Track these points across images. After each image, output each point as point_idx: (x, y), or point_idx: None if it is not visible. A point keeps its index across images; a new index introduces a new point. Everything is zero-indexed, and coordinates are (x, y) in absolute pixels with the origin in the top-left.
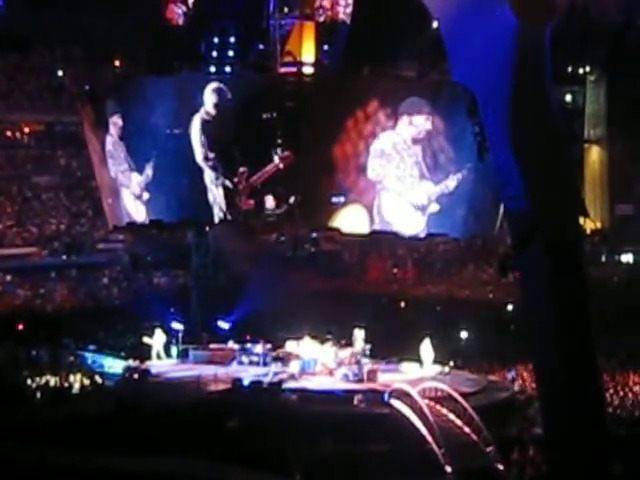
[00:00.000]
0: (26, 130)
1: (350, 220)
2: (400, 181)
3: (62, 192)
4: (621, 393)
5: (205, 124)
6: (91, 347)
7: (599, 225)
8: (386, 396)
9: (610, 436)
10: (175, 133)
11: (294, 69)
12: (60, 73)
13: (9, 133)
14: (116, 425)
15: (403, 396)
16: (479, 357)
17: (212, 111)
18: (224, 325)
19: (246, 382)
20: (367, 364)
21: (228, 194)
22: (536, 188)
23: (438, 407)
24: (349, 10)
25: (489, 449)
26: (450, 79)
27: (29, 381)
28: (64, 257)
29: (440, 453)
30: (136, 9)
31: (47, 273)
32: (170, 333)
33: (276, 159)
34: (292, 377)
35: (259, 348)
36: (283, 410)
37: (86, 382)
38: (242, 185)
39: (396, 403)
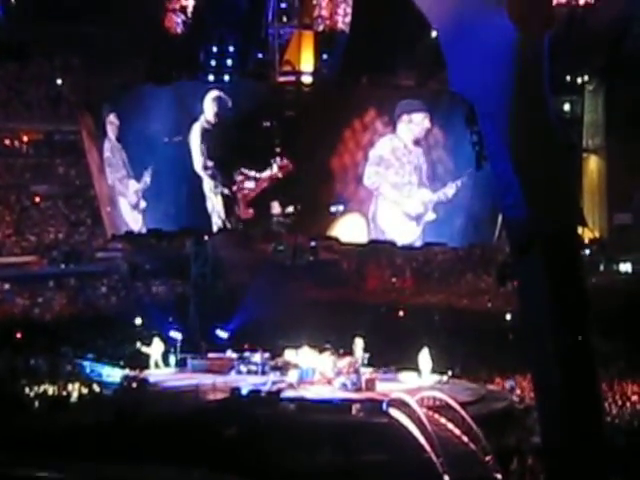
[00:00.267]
0: (25, 139)
1: (348, 229)
2: (396, 189)
3: (61, 201)
4: (620, 402)
5: (205, 133)
6: (89, 356)
7: (597, 234)
8: (384, 405)
9: (609, 446)
10: (174, 142)
11: (293, 78)
12: (59, 82)
13: (8, 142)
14: (114, 434)
15: (401, 405)
16: (477, 366)
17: (212, 120)
18: (222, 334)
19: (244, 391)
20: (365, 373)
21: (227, 203)
22: (535, 197)
23: (437, 416)
24: (348, 19)
25: (487, 458)
26: (449, 88)
27: (27, 390)
28: (63, 266)
29: (438, 462)
30: (135, 18)
31: (46, 282)
32: (168, 342)
33: (274, 168)
34: (290, 386)
35: (257, 357)
36: (281, 419)
37: (84, 391)
38: (241, 194)
39: (394, 412)
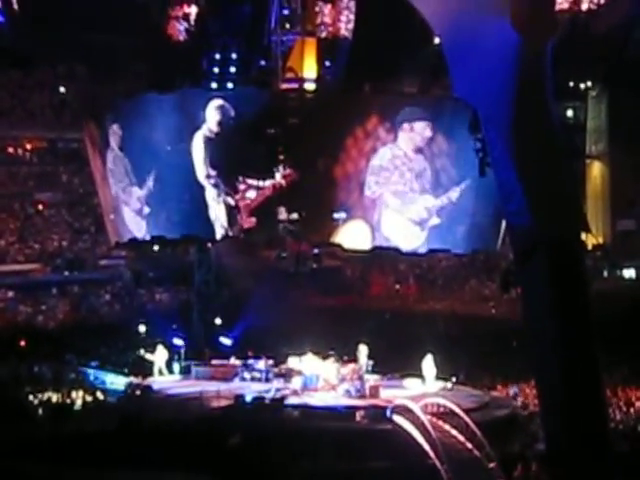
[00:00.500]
0: (28, 147)
1: (352, 236)
2: (397, 197)
3: (64, 209)
4: (624, 408)
5: (207, 141)
6: (93, 363)
7: (601, 240)
8: (388, 412)
9: (613, 452)
10: (176, 149)
11: (296, 85)
12: (62, 90)
13: (11, 150)
14: (118, 441)
15: (405, 412)
16: (481, 373)
17: (215, 128)
18: (226, 341)
19: (248, 398)
20: (369, 380)
21: (229, 211)
22: (538, 203)
23: (440, 423)
24: (351, 26)
25: (492, 465)
26: (452, 95)
27: (31, 397)
28: (66, 273)
29: (443, 469)
30: (138, 26)
31: (49, 289)
32: (172, 349)
33: (277, 177)
34: (294, 393)
35: (261, 364)
36: (285, 426)
37: (88, 398)
38: (243, 203)
39: (398, 419)
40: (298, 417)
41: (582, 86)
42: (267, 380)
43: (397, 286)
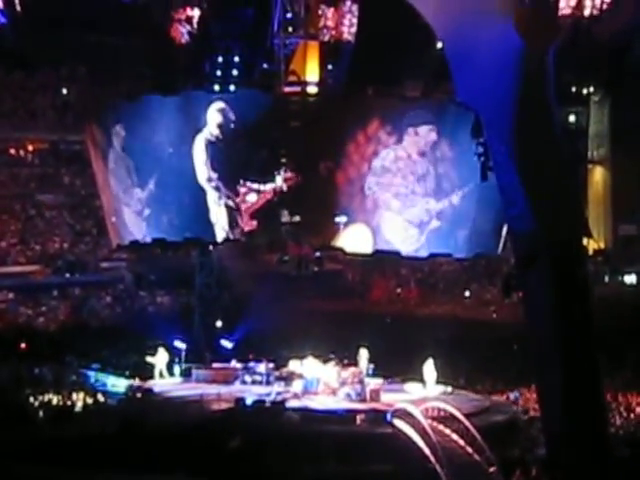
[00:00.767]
0: (30, 148)
1: (353, 240)
2: (398, 198)
3: (66, 210)
4: (624, 414)
5: (209, 144)
6: (94, 366)
7: (602, 245)
8: (389, 416)
9: (613, 457)
10: (178, 152)
11: (298, 88)
12: (65, 92)
13: (13, 151)
14: (119, 444)
15: (406, 416)
16: (482, 377)
17: (215, 131)
18: (227, 344)
19: (249, 401)
20: (370, 384)
21: (230, 214)
22: (540, 208)
23: (441, 427)
24: (353, 30)
25: (492, 469)
26: (454, 99)
27: (32, 399)
28: (67, 275)
29: (443, 473)
30: (141, 28)
31: (50, 291)
32: (173, 352)
33: (278, 180)
34: (295, 396)
35: (262, 367)
36: (286, 429)
37: (89, 401)
38: (244, 206)
39: (399, 423)
40: (298, 420)
41: (584, 91)
42: (268, 383)
43: (398, 290)
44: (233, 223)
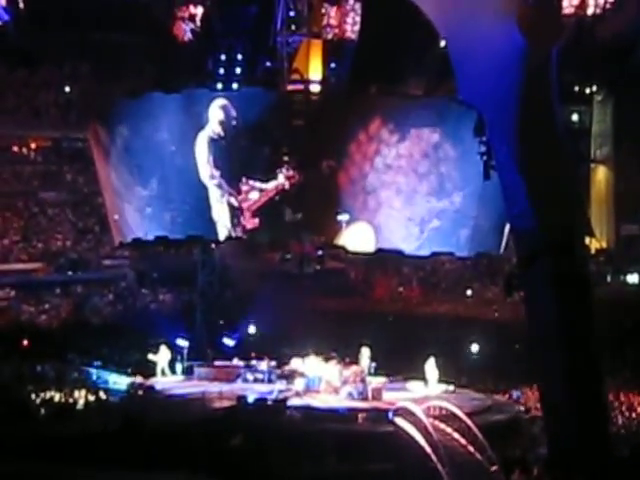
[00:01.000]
0: (33, 146)
1: (356, 238)
2: (400, 196)
3: (68, 208)
4: (626, 413)
5: (211, 142)
6: (96, 363)
7: (604, 245)
8: (390, 414)
9: (614, 456)
10: (180, 150)
11: (301, 86)
12: (67, 89)
13: (16, 149)
14: (120, 441)
15: (407, 414)
16: (484, 376)
17: (218, 129)
18: (229, 342)
19: (251, 399)
20: (372, 382)
21: (232, 212)
22: (542, 207)
23: (442, 426)
24: (356, 28)
25: (493, 468)
26: (457, 97)
27: (34, 396)
28: (70, 273)
29: (444, 472)
30: (144, 26)
31: (52, 289)
32: (175, 350)
33: (281, 178)
34: (297, 395)
35: (264, 365)
36: (287, 428)
37: (91, 398)
38: (246, 204)
39: (400, 421)
40: (300, 419)
41: (587, 90)
42: (269, 381)
43: (400, 289)
44: (235, 221)
